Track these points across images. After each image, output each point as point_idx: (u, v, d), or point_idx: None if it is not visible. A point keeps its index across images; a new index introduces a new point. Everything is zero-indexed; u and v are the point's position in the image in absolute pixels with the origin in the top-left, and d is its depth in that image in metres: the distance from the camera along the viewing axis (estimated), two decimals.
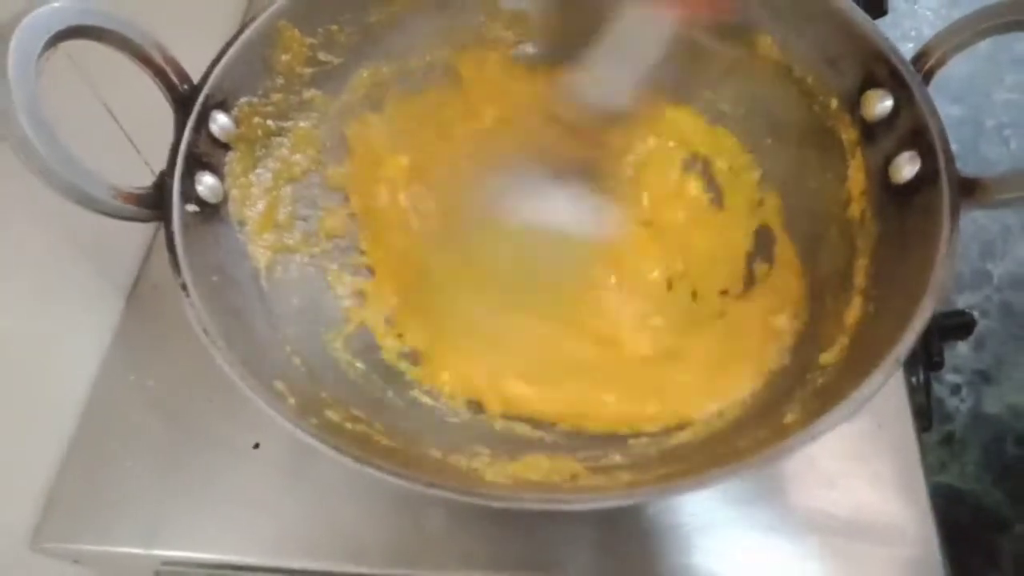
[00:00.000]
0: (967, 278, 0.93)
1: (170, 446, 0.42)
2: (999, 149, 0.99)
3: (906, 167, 0.37)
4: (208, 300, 0.33)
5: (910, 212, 0.36)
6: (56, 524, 0.40)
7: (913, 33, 0.99)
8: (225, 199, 0.38)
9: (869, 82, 0.39)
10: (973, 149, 0.99)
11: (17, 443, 0.40)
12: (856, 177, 0.40)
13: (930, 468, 0.42)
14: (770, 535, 0.40)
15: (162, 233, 0.34)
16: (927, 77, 0.37)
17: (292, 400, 0.33)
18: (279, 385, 0.33)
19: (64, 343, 0.43)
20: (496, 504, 0.29)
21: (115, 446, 0.42)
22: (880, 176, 0.39)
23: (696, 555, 0.39)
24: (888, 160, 0.38)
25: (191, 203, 0.36)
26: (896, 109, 0.38)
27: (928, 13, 1.01)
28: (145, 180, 0.35)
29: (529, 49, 0.50)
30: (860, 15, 0.39)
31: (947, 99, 0.95)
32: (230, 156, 0.39)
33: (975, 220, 0.97)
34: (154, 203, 0.35)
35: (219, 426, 0.42)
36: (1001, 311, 0.92)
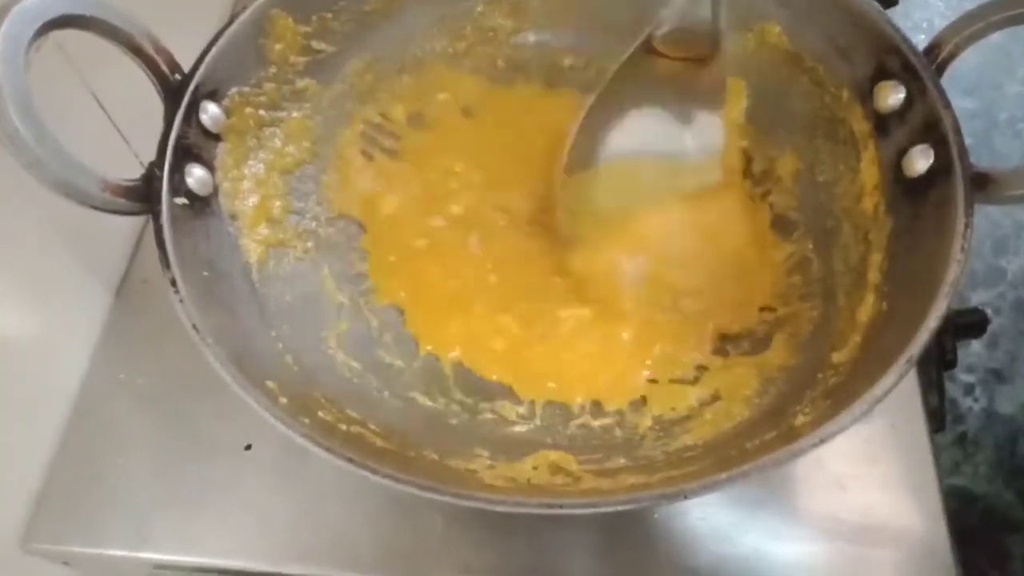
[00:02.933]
0: (980, 275, 0.92)
1: (161, 446, 0.41)
2: (1012, 142, 0.98)
3: (919, 160, 0.36)
4: (198, 295, 0.33)
5: (924, 206, 0.36)
6: (46, 525, 0.40)
7: (924, 24, 0.98)
8: (216, 192, 0.37)
9: (881, 73, 0.38)
10: (986, 143, 0.98)
11: (6, 443, 0.39)
12: (869, 170, 0.39)
13: (942, 469, 0.41)
14: (779, 538, 0.39)
15: (151, 227, 0.33)
16: (940, 68, 0.36)
17: (284, 399, 0.32)
18: (271, 384, 0.32)
19: (53, 340, 0.42)
20: (496, 508, 0.28)
21: (105, 446, 0.41)
22: (893, 170, 0.38)
23: (703, 559, 0.38)
24: (901, 153, 0.37)
25: (180, 196, 0.35)
26: (909, 101, 0.37)
27: (939, 3, 1.00)
28: (134, 172, 0.34)
29: (530, 38, 0.49)
30: (871, 5, 0.38)
31: (959, 92, 0.94)
32: (221, 148, 0.38)
33: (988, 216, 0.96)
34: (143, 196, 0.34)
35: (211, 426, 0.41)
36: (1015, 309, 0.91)
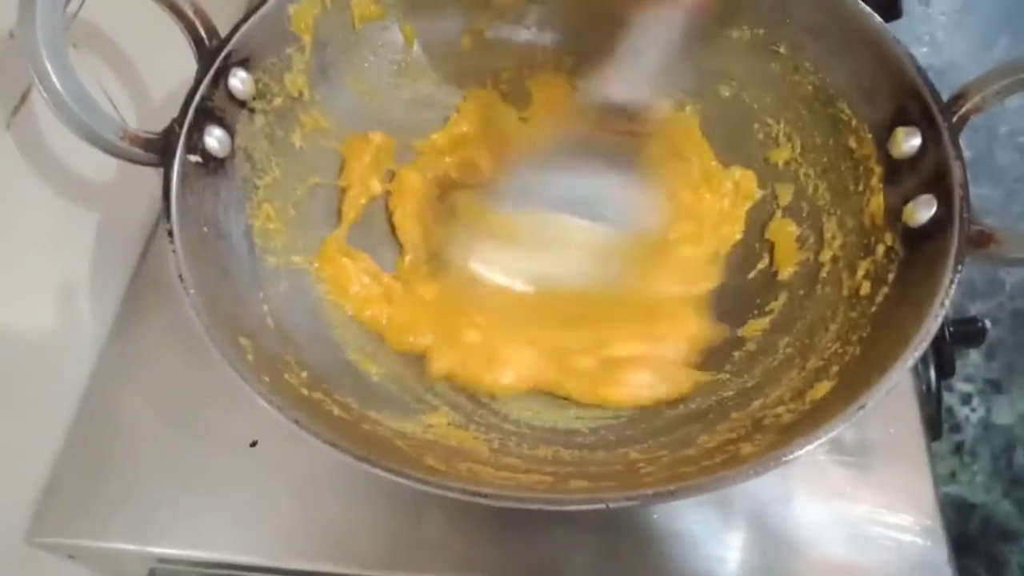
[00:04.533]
0: (980, 286, 0.92)
1: (167, 442, 0.42)
2: (1012, 155, 0.98)
3: (922, 210, 0.35)
4: (193, 250, 0.34)
5: (919, 257, 0.35)
6: (52, 519, 0.40)
7: (927, 37, 0.98)
8: (233, 155, 0.39)
9: (901, 118, 0.38)
10: (987, 156, 0.98)
11: (14, 437, 0.40)
12: (873, 213, 0.39)
13: (939, 478, 0.41)
14: (777, 543, 0.39)
15: (162, 227, 0.34)
16: (961, 120, 0.35)
17: (251, 357, 0.33)
18: (243, 341, 0.33)
19: (62, 337, 0.43)
20: (429, 488, 0.29)
21: (112, 442, 0.42)
22: (895, 217, 0.37)
23: (700, 562, 0.38)
24: (906, 201, 0.37)
25: (196, 154, 0.36)
26: (923, 149, 0.36)
27: (942, 17, 1.00)
28: (143, 171, 0.35)
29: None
30: (901, 47, 0.37)
31: None
32: (244, 115, 0.39)
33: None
34: (160, 149, 0.35)
35: (217, 423, 0.42)
36: (1013, 320, 0.91)
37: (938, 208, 0.35)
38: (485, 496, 0.29)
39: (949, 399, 0.87)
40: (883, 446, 0.41)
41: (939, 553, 0.38)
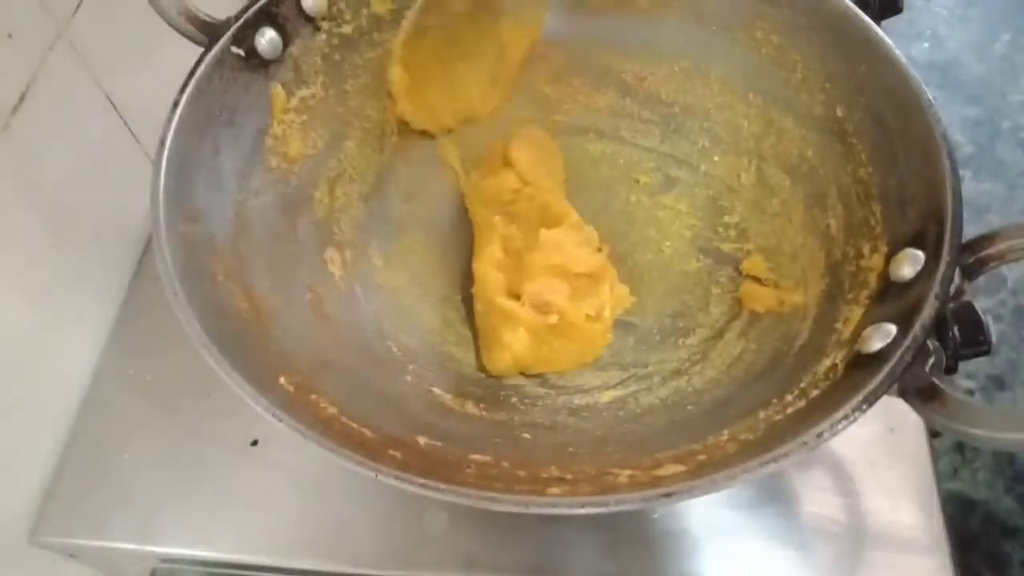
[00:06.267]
0: (982, 282, 0.92)
1: (168, 442, 0.42)
2: (1015, 151, 0.98)
3: (877, 337, 0.31)
4: (194, 122, 0.35)
5: (847, 383, 0.32)
6: (54, 518, 0.40)
7: (928, 32, 0.97)
8: (280, 60, 0.39)
9: (917, 240, 0.33)
10: (989, 151, 0.98)
11: (16, 437, 0.40)
12: (843, 328, 0.35)
13: (941, 474, 0.41)
14: (778, 541, 0.39)
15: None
16: (978, 264, 0.31)
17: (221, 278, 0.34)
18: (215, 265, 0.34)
19: (63, 336, 0.43)
20: (394, 483, 0.28)
21: (113, 441, 0.42)
22: (855, 336, 0.34)
23: (702, 561, 0.38)
24: (868, 325, 0.33)
25: (240, 47, 0.37)
26: (918, 278, 0.32)
27: (943, 12, 1.00)
28: (143, 167, 0.35)
29: None
30: (951, 169, 0.33)
31: (963, 100, 0.94)
32: (308, 29, 0.40)
33: (989, 224, 0.96)
34: (212, 33, 0.36)
35: (217, 422, 0.42)
36: (1015, 316, 0.91)
37: (892, 340, 0.30)
38: (492, 501, 0.28)
39: None
40: (885, 442, 0.41)
41: (941, 549, 0.39)
